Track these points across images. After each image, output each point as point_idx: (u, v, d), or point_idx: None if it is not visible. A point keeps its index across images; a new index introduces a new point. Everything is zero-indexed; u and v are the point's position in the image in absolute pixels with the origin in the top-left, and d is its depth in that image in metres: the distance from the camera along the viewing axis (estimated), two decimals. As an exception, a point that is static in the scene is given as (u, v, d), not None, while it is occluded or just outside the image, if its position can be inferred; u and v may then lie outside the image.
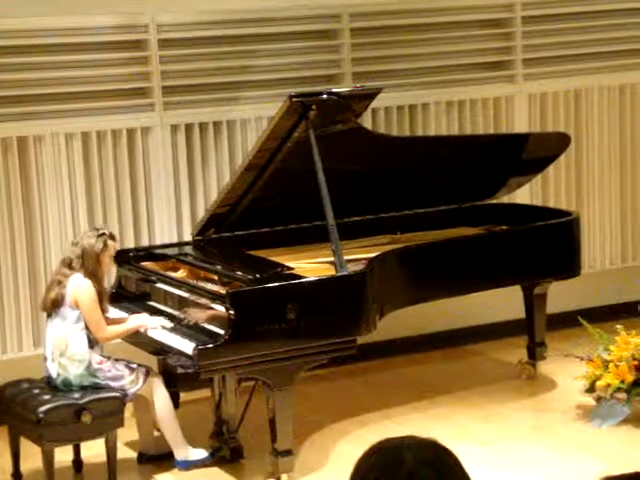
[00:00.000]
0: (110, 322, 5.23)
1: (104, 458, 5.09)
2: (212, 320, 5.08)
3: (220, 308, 4.99)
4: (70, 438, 5.09)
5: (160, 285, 5.55)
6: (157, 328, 5.23)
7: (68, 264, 5.12)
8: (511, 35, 7.09)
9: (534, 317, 6.37)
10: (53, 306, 5.10)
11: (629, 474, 1.84)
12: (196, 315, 5.20)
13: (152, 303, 5.59)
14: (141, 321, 5.28)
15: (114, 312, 5.52)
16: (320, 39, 6.68)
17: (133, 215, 6.32)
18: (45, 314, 5.23)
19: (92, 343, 5.11)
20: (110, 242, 5.18)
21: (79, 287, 5.06)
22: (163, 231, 6.37)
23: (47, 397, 5.01)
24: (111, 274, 5.72)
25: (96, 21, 6.12)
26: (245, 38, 6.45)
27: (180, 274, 5.59)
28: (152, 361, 5.53)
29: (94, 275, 5.10)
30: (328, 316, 5.08)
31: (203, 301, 5.18)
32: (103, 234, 5.16)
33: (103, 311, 5.15)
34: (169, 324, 5.25)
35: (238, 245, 5.85)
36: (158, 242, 6.27)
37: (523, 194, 6.96)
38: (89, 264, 5.09)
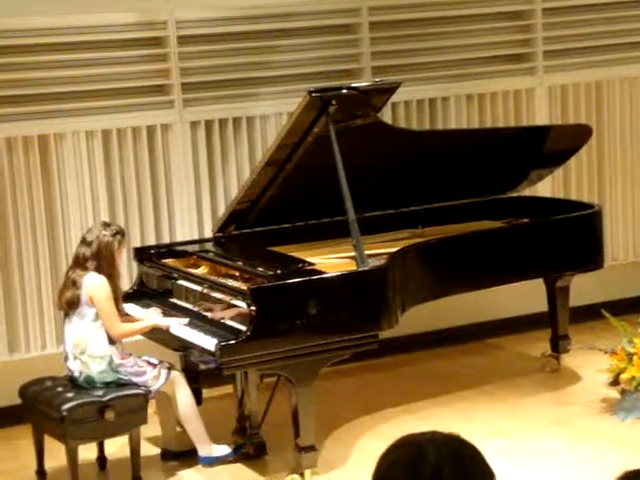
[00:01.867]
0: (125, 320, 5.23)
1: (128, 455, 5.11)
2: (234, 316, 5.08)
3: (241, 304, 4.99)
4: (94, 435, 5.11)
5: (181, 282, 5.56)
6: (172, 327, 5.22)
7: (82, 264, 5.09)
8: (531, 27, 7.05)
9: (557, 310, 6.34)
10: (69, 307, 5.09)
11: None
12: (218, 311, 5.20)
13: (174, 300, 5.60)
14: (155, 321, 5.26)
15: (135, 309, 5.53)
16: (339, 34, 6.67)
17: (154, 212, 6.33)
18: (63, 313, 5.23)
19: (112, 339, 5.11)
20: (123, 240, 5.18)
21: (94, 284, 5.05)
22: (184, 228, 6.38)
23: (70, 395, 5.02)
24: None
25: (115, 18, 6.13)
26: (263, 34, 6.44)
27: (201, 271, 5.58)
28: (174, 358, 5.54)
29: (109, 274, 5.09)
30: (350, 311, 5.07)
31: (224, 297, 5.18)
32: (117, 232, 5.14)
33: (118, 309, 5.14)
34: (184, 321, 5.24)
35: (259, 241, 5.85)
36: (179, 239, 6.28)
37: (545, 187, 6.94)
38: (104, 263, 5.07)
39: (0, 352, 6.09)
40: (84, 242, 5.14)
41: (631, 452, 5.18)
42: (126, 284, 5.97)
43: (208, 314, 5.25)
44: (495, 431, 5.54)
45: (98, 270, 5.06)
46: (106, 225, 5.23)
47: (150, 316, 5.32)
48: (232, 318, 5.09)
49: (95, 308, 5.05)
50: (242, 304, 4.99)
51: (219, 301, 5.23)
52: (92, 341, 5.06)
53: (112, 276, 5.10)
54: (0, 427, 5.95)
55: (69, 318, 5.13)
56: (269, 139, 6.30)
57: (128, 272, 6.13)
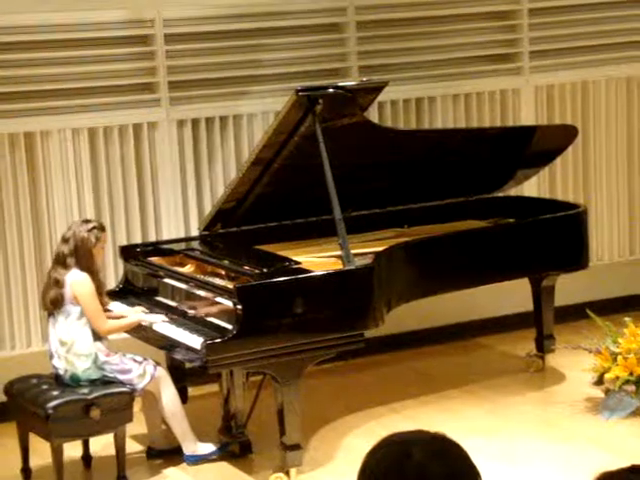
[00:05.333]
0: (111, 317, 5.24)
1: (113, 453, 5.10)
2: (220, 315, 5.08)
3: (228, 303, 5.00)
4: (79, 433, 5.11)
5: (167, 280, 5.56)
6: (157, 323, 5.23)
7: (62, 262, 5.09)
8: (517, 27, 7.07)
9: (542, 310, 6.36)
10: (54, 306, 5.09)
11: (625, 468, 1.84)
12: (204, 310, 5.20)
13: (159, 298, 5.59)
14: (140, 317, 5.27)
15: (121, 307, 5.53)
16: (326, 33, 6.67)
17: (140, 210, 6.32)
18: (47, 312, 5.23)
19: (97, 337, 5.11)
20: (101, 234, 5.17)
21: (77, 282, 5.05)
22: (170, 226, 6.37)
23: (56, 393, 5.02)
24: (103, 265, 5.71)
25: (102, 16, 6.12)
26: (251, 32, 6.44)
27: (187, 269, 5.58)
28: (160, 356, 5.54)
29: (89, 269, 5.09)
30: (336, 310, 5.08)
31: (211, 296, 5.19)
32: (94, 228, 5.15)
33: (103, 304, 5.15)
34: (167, 318, 5.25)
35: (245, 240, 5.85)
36: (165, 237, 6.27)
37: (531, 187, 6.96)
38: (83, 260, 5.08)
39: (-15, 350, 6.08)
40: (63, 240, 5.16)
41: (615, 451, 5.20)
42: (112, 282, 5.97)
43: (194, 312, 5.25)
44: (480, 430, 5.55)
45: (78, 266, 5.06)
46: (84, 222, 5.25)
47: (135, 313, 5.33)
48: (218, 316, 5.10)
49: (79, 306, 5.05)
50: (228, 302, 4.99)
51: (205, 299, 5.23)
52: (78, 339, 5.06)
53: (92, 271, 5.11)
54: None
55: (54, 317, 5.12)
56: (256, 138, 6.30)
57: (114, 270, 6.13)
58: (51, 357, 5.16)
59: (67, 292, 5.05)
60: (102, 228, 5.21)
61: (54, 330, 5.12)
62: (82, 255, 5.07)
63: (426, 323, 6.95)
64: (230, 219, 5.88)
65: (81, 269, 5.07)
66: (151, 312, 5.39)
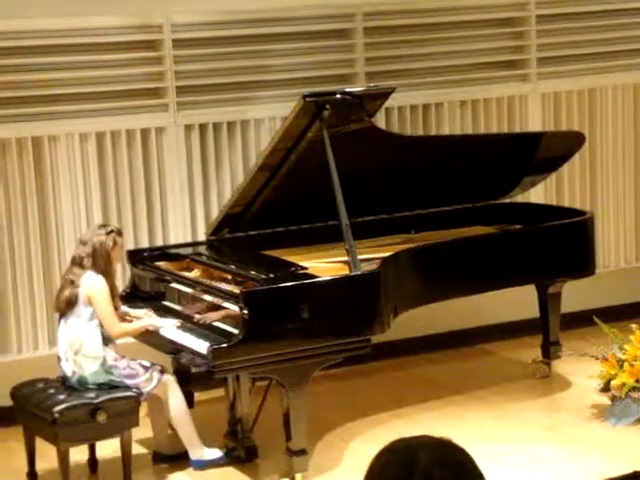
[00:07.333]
0: (122, 319, 5.26)
1: (119, 457, 5.10)
2: (226, 320, 5.09)
3: (234, 308, 5.00)
4: (85, 438, 5.11)
5: (174, 285, 5.56)
6: (167, 327, 5.25)
7: (79, 263, 5.13)
8: (525, 34, 7.07)
9: (548, 316, 6.36)
10: (67, 306, 5.11)
11: (628, 474, 1.84)
12: (210, 315, 5.21)
13: (166, 303, 5.60)
14: (152, 321, 5.30)
15: (128, 311, 5.53)
16: (334, 39, 6.68)
17: (147, 215, 6.33)
18: (59, 314, 5.24)
19: (106, 340, 5.12)
20: (119, 239, 5.20)
21: (91, 283, 5.07)
22: (177, 231, 6.38)
23: (62, 397, 5.02)
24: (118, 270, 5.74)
25: (110, 21, 6.14)
26: (258, 38, 6.45)
27: (194, 274, 5.59)
28: (166, 360, 5.54)
29: (106, 272, 5.12)
30: (342, 315, 5.08)
31: (217, 301, 5.19)
32: (112, 231, 5.18)
33: (115, 308, 5.17)
34: (178, 323, 5.27)
35: (252, 245, 5.86)
36: (172, 242, 6.29)
37: (537, 193, 6.96)
38: (100, 262, 5.10)
39: (-8, 353, 6.10)
40: (80, 243, 5.20)
41: (621, 458, 5.19)
42: (119, 286, 5.97)
43: (200, 317, 5.26)
44: (486, 436, 5.55)
45: (94, 268, 5.09)
46: (102, 226, 5.30)
47: (145, 316, 5.35)
48: (224, 321, 5.10)
49: (91, 307, 5.07)
50: (235, 307, 4.99)
51: (211, 304, 5.23)
52: (87, 341, 5.08)
53: (108, 274, 5.13)
54: (-9, 428, 5.96)
55: (65, 318, 5.14)
56: (263, 143, 6.30)
57: (121, 274, 6.14)
58: (59, 359, 5.17)
59: (81, 292, 5.08)
60: (120, 233, 5.25)
61: (64, 332, 5.14)
62: (100, 257, 5.10)
63: (432, 329, 6.94)
64: (237, 224, 5.89)
65: (97, 271, 5.09)
66: (159, 317, 5.41)
